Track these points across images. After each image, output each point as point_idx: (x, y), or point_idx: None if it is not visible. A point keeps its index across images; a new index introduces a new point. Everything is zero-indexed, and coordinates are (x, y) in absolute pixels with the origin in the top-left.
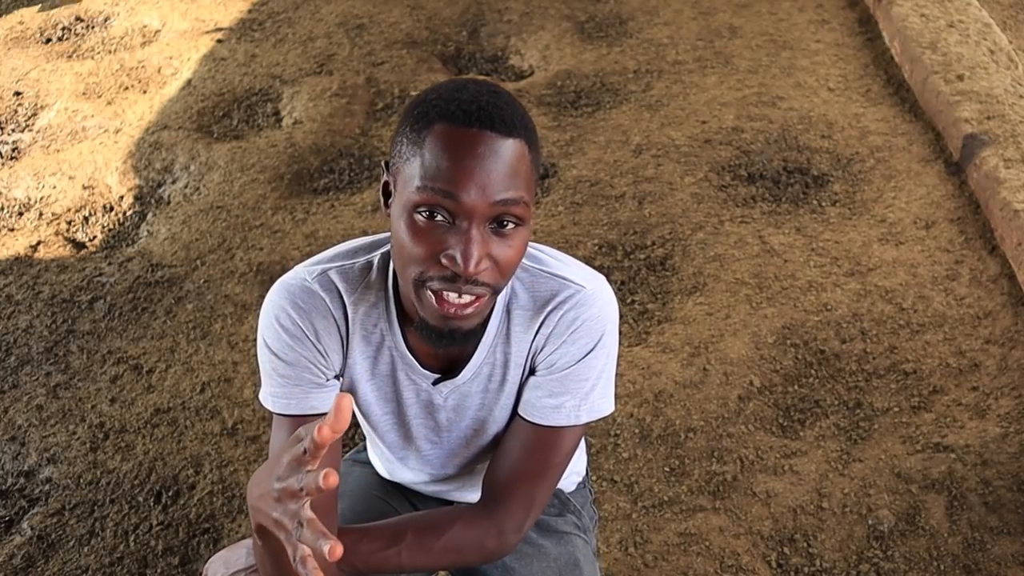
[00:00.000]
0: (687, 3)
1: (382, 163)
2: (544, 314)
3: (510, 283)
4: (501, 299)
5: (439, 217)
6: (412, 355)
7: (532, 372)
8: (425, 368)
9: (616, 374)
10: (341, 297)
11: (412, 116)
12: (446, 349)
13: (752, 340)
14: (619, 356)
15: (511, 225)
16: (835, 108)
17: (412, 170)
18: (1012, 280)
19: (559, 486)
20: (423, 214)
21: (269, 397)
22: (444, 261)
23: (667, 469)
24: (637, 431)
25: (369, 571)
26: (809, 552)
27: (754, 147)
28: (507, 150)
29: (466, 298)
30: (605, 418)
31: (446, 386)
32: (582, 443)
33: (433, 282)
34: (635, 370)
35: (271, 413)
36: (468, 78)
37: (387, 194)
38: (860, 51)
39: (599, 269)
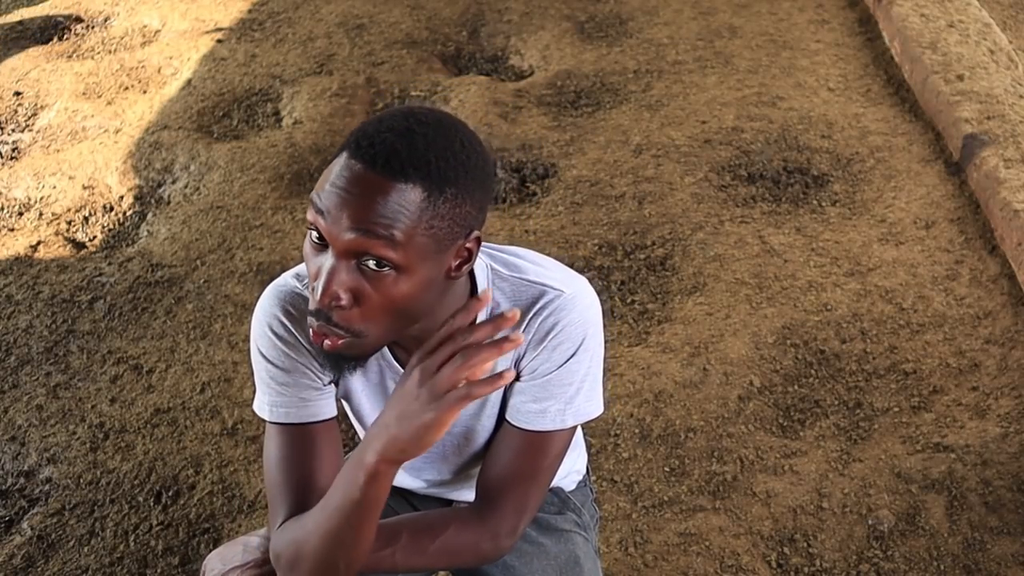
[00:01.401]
0: (687, 3)
1: None
2: (525, 322)
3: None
4: (483, 313)
5: (317, 238)
6: (399, 363)
7: (516, 378)
8: None
9: (616, 374)
10: None
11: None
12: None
13: (752, 340)
14: (619, 356)
15: (377, 266)
16: (835, 108)
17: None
18: (1012, 280)
19: (559, 484)
20: (313, 235)
21: (267, 407)
22: (312, 288)
23: (667, 469)
24: (637, 431)
25: (364, 571)
26: (809, 552)
27: (754, 147)
28: (381, 190)
29: (326, 341)
30: (597, 419)
31: None
32: (582, 442)
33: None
34: (635, 370)
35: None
36: (409, 108)
37: None
38: (860, 51)
39: (599, 269)
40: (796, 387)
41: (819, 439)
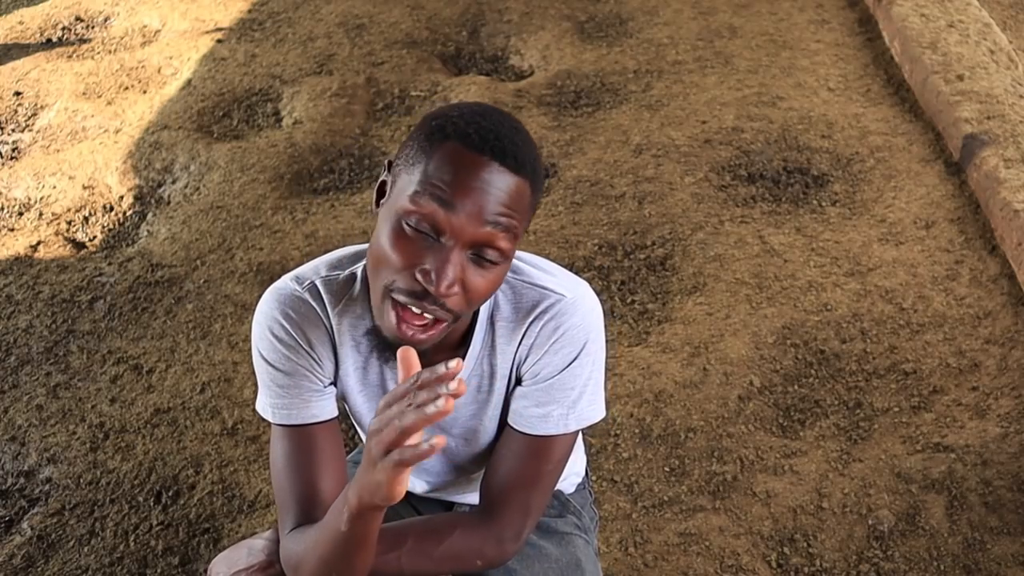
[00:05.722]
0: (687, 3)
1: (385, 161)
2: (526, 325)
3: (493, 295)
4: (484, 311)
5: (424, 231)
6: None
7: (519, 382)
8: None
9: (616, 374)
10: (327, 308)
11: (428, 127)
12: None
13: (752, 340)
14: (619, 356)
15: (491, 258)
16: (835, 108)
17: (412, 177)
18: (1012, 280)
19: (559, 487)
20: (410, 224)
21: (269, 408)
22: (418, 276)
23: (667, 469)
24: (637, 431)
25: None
26: (809, 552)
27: (754, 147)
28: (510, 184)
29: (427, 317)
30: (597, 424)
31: None
32: (581, 444)
33: (400, 294)
34: (635, 370)
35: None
36: (493, 106)
37: (381, 193)
38: (860, 51)
39: (599, 269)
40: (796, 387)
41: (819, 439)
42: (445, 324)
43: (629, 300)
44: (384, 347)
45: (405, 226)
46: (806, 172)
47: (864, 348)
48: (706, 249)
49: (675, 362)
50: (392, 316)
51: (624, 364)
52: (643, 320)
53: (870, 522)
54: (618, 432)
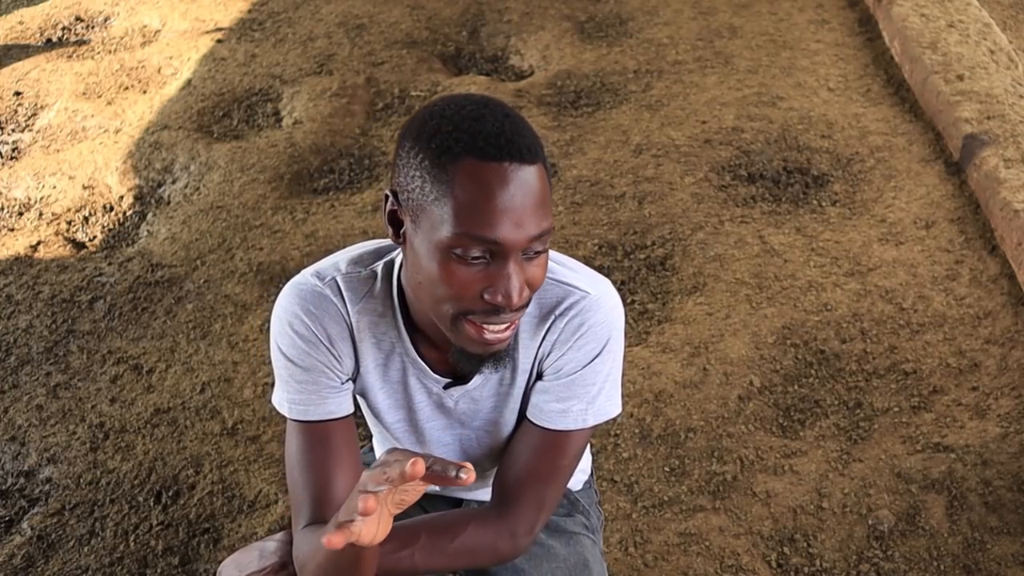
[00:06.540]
0: (687, 3)
1: (387, 192)
2: (550, 321)
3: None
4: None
5: (475, 255)
6: (424, 361)
7: (539, 376)
8: (436, 373)
9: None
10: (347, 304)
11: (430, 149)
12: (482, 368)
13: (752, 340)
14: None
15: (539, 249)
16: (835, 108)
17: (442, 211)
18: (1012, 280)
19: (567, 485)
20: (459, 254)
21: (286, 404)
22: (487, 297)
23: (667, 469)
24: (637, 431)
25: (382, 572)
26: (809, 552)
27: (754, 147)
28: (534, 178)
29: (504, 324)
30: (612, 420)
31: (456, 391)
32: None
33: (476, 316)
34: (635, 370)
35: (279, 416)
36: (473, 96)
37: (395, 222)
38: (860, 51)
39: (599, 269)
40: (796, 387)
41: (819, 439)
42: (519, 318)
43: (629, 300)
44: (475, 363)
45: (454, 256)
46: (806, 172)
47: (864, 348)
48: (706, 249)
49: (675, 362)
50: (473, 333)
51: (624, 364)
52: (643, 320)
53: (870, 522)
54: (618, 432)
